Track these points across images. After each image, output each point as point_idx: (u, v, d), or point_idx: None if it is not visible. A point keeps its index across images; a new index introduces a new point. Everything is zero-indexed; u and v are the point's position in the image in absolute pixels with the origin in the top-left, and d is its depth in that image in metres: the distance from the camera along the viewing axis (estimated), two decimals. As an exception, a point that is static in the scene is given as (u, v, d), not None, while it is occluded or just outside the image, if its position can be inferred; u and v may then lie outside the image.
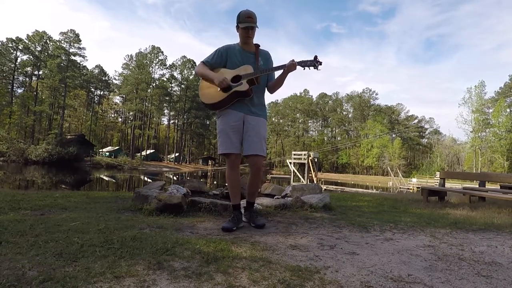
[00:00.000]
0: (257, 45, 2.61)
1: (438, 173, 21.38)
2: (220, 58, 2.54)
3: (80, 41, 53.60)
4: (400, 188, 29.13)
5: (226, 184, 2.65)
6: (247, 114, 2.52)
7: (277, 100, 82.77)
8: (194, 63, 65.67)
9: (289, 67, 2.48)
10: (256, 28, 2.49)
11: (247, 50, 2.57)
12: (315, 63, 2.45)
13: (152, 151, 62.09)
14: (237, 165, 2.56)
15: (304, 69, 2.49)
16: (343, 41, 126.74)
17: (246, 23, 2.44)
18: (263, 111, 2.65)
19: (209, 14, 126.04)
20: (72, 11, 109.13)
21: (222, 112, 2.53)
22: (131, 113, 65.88)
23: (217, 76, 2.45)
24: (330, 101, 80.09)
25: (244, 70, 2.48)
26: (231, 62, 2.53)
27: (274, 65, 2.65)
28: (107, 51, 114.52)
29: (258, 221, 2.54)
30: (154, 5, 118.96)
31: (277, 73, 2.64)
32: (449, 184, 23.30)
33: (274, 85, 2.66)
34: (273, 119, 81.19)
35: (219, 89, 2.47)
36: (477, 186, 6.04)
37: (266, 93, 2.77)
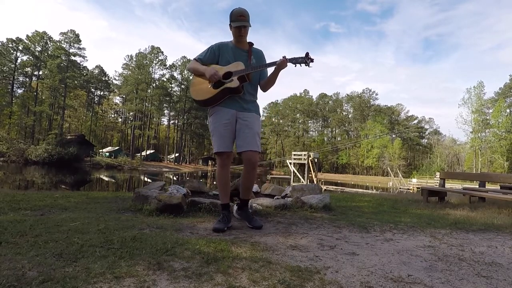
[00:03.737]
0: (251, 43, 2.61)
1: (438, 174, 21.37)
2: (213, 55, 2.54)
3: (80, 41, 53.65)
4: (400, 188, 29.12)
5: (217, 183, 2.62)
6: (239, 111, 2.51)
7: (277, 100, 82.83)
8: (194, 63, 65.53)
9: (280, 64, 2.45)
10: (249, 26, 2.48)
11: (240, 48, 2.57)
12: (306, 60, 2.42)
13: (152, 151, 62.05)
14: (228, 163, 2.55)
15: (295, 66, 2.46)
16: (341, 40, 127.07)
17: (239, 21, 2.44)
18: (255, 107, 2.63)
19: (207, 13, 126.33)
20: (70, 10, 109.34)
21: (214, 110, 2.52)
22: (131, 113, 65.88)
23: (208, 69, 2.44)
24: (330, 102, 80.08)
25: (235, 67, 2.46)
26: (223, 59, 2.52)
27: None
28: (106, 50, 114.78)
29: (255, 222, 2.52)
30: (151, 5, 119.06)
31: (270, 71, 2.61)
32: (449, 185, 23.28)
33: (266, 83, 2.64)
34: (273, 119, 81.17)
35: (210, 85, 2.46)
36: (477, 186, 6.04)
37: (264, 93, 2.77)
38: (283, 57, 2.47)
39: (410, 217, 3.48)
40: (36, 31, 50.37)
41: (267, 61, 2.66)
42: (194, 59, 2.58)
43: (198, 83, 2.55)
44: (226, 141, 2.47)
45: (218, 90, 2.44)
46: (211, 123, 2.53)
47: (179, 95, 65.83)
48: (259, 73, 2.62)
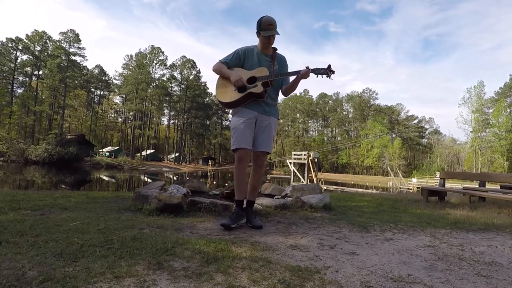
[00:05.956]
0: (275, 49, 2.69)
1: (438, 173, 21.40)
2: (238, 60, 2.62)
3: (79, 41, 53.65)
4: (400, 188, 29.12)
5: (234, 180, 2.70)
6: (260, 114, 2.62)
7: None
8: (194, 63, 65.68)
9: (303, 74, 2.56)
10: (278, 35, 2.55)
11: (265, 54, 2.65)
12: (328, 71, 2.53)
13: (152, 151, 62.03)
14: (246, 160, 2.62)
15: (317, 76, 2.58)
16: (341, 40, 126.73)
17: (269, 31, 2.52)
18: (275, 111, 2.76)
19: (206, 13, 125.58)
20: (69, 10, 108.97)
21: (237, 110, 2.62)
22: (131, 113, 65.86)
23: (234, 74, 2.53)
24: (330, 101, 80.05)
25: (260, 72, 2.55)
26: (248, 63, 2.61)
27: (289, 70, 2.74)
28: (105, 50, 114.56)
29: (255, 222, 2.55)
30: (150, 4, 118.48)
31: (291, 77, 2.72)
32: (449, 184, 23.28)
33: (288, 89, 2.77)
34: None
35: (234, 89, 2.54)
36: (477, 186, 6.04)
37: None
38: (306, 67, 2.57)
39: (410, 216, 3.49)
40: (35, 30, 50.40)
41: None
42: (220, 61, 2.65)
43: (223, 85, 2.63)
44: (246, 139, 2.56)
45: (242, 94, 2.53)
46: (234, 122, 2.62)
47: (179, 95, 65.78)
48: (281, 79, 2.72)
